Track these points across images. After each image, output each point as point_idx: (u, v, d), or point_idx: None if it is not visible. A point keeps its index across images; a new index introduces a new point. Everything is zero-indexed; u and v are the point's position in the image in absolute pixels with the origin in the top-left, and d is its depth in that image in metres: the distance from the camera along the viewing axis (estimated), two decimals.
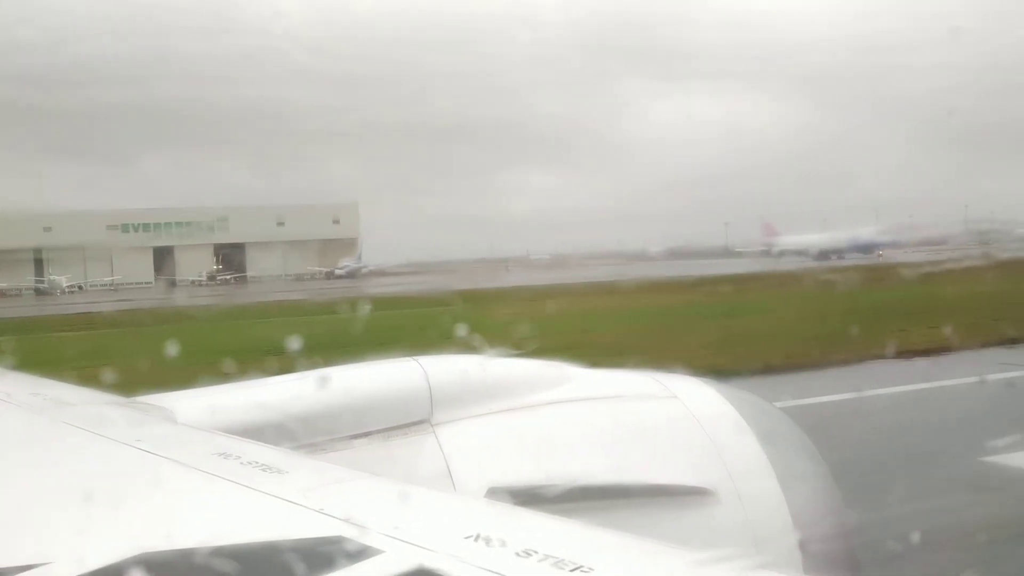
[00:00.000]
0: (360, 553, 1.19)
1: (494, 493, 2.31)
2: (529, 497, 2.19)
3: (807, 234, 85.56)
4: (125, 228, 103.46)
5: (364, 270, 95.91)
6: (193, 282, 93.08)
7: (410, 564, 1.15)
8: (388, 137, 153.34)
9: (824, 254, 77.08)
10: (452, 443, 2.56)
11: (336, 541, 1.24)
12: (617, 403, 2.82)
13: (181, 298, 70.30)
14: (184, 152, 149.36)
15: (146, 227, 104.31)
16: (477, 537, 1.22)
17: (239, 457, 1.81)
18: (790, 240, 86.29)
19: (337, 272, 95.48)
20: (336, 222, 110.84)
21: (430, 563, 1.15)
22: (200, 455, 1.89)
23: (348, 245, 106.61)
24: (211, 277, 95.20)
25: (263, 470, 1.70)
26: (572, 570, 1.09)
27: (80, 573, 1.21)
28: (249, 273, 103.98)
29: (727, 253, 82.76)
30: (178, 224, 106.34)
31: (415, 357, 2.79)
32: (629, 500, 2.44)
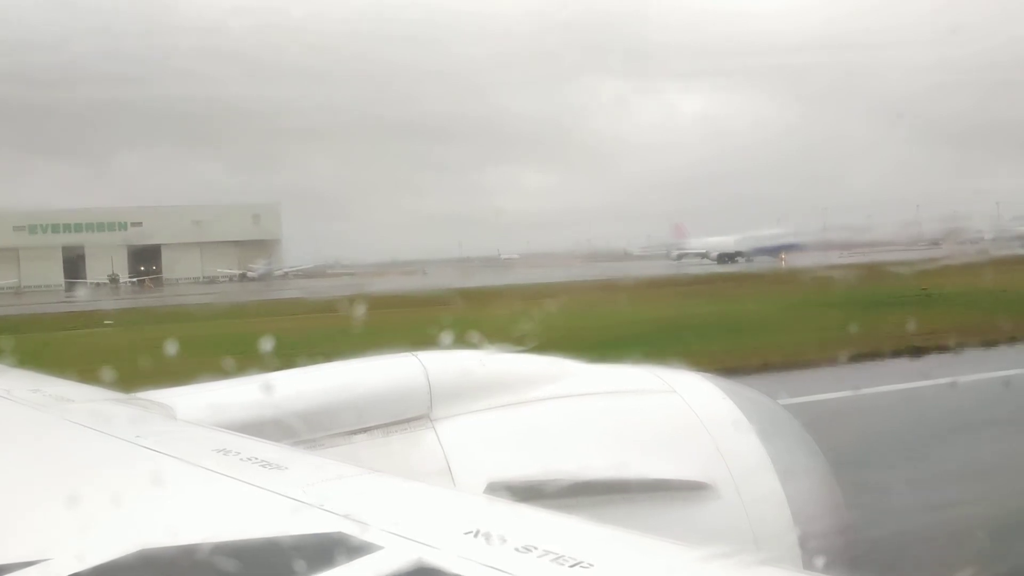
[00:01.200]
0: (360, 549, 1.19)
1: (493, 488, 2.30)
2: (528, 492, 2.17)
3: (716, 236, 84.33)
4: (32, 229, 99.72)
5: (278, 272, 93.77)
6: (98, 285, 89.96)
7: (410, 560, 1.15)
8: (349, 135, 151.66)
9: (726, 257, 76.11)
10: (451, 439, 2.54)
11: (336, 537, 1.24)
12: (616, 398, 2.81)
13: (79, 301, 67.57)
14: (155, 151, 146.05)
15: (55, 228, 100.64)
16: (477, 533, 1.22)
17: (239, 453, 1.79)
18: (696, 242, 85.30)
19: (250, 275, 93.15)
20: (256, 223, 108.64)
21: (430, 559, 1.15)
22: (200, 451, 1.87)
23: (270, 246, 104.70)
24: (113, 280, 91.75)
25: (263, 466, 1.69)
26: (572, 566, 1.10)
27: (81, 569, 1.21)
28: (165, 275, 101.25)
29: (625, 256, 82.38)
30: (89, 225, 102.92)
31: (414, 353, 2.76)
32: (628, 495, 2.41)
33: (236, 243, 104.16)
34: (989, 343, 16.88)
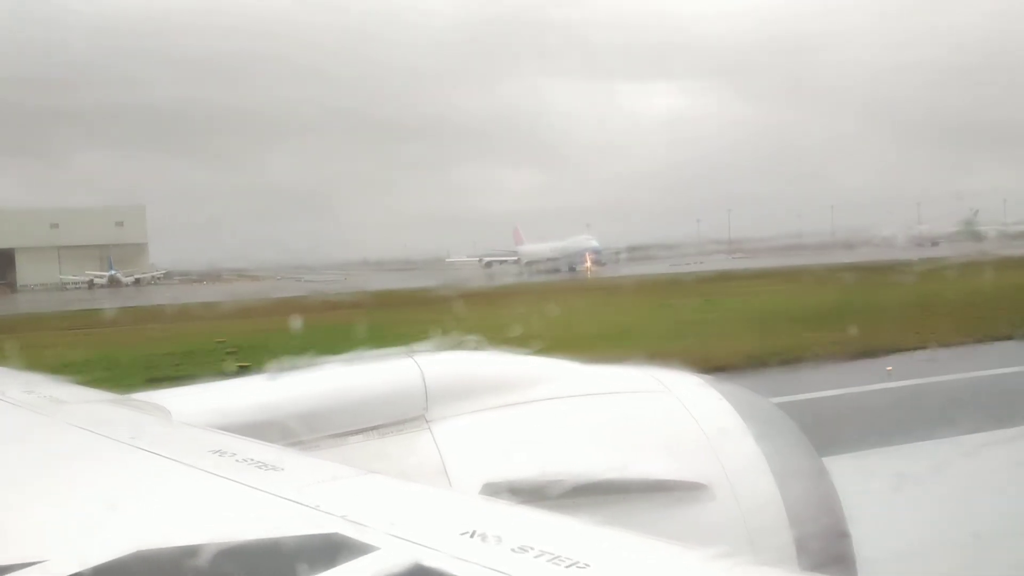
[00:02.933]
0: (356, 550, 1.18)
1: (489, 489, 2.32)
2: (524, 493, 2.20)
3: (535, 243, 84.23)
4: None
5: (129, 279, 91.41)
6: None
7: (406, 561, 1.14)
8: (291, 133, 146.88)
9: (532, 264, 76.48)
10: (447, 439, 2.57)
11: (332, 538, 1.24)
12: (611, 399, 2.83)
13: None
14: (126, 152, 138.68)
15: None
16: (473, 534, 1.22)
17: (234, 454, 1.79)
18: (524, 249, 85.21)
19: (97, 281, 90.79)
20: (120, 226, 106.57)
21: (426, 560, 1.15)
22: (195, 452, 1.87)
23: (135, 251, 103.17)
24: None
25: (259, 467, 1.69)
26: (568, 566, 1.10)
27: (76, 571, 1.20)
28: (21, 281, 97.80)
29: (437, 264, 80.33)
30: None
31: (410, 354, 2.79)
32: (624, 495, 2.44)
33: (99, 247, 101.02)
34: None
